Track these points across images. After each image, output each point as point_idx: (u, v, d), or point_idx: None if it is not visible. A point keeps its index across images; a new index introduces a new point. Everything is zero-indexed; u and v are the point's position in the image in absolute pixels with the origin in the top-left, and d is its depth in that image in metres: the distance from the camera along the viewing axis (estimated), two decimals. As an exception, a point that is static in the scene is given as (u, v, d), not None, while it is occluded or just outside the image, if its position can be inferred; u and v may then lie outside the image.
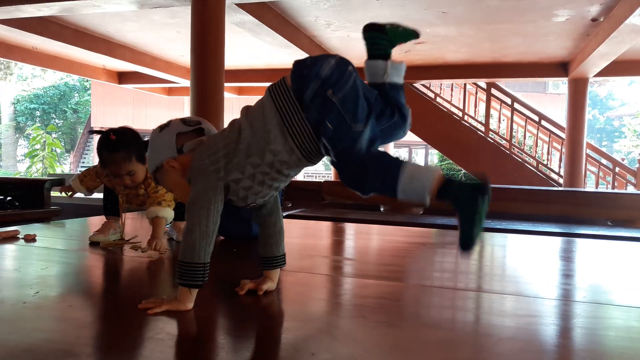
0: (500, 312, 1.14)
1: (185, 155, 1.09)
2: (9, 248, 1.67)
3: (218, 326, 1.05)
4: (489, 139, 7.53)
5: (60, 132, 20.93)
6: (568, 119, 7.12)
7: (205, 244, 1.01)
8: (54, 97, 20.98)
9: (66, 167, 18.17)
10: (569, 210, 4.66)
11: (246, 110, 1.08)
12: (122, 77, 8.88)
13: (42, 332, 0.92)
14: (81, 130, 20.29)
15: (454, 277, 1.52)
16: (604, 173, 7.67)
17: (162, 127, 1.14)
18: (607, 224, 5.00)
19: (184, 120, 1.14)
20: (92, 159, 17.67)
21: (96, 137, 1.69)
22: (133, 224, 2.23)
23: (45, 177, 3.57)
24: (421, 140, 8.02)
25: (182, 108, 11.04)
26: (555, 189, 4.98)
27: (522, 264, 1.86)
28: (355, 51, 5.00)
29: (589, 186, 7.57)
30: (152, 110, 15.10)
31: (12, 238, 1.80)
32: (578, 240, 2.37)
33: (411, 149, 18.03)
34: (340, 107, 0.97)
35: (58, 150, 13.25)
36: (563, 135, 7.37)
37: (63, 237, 2.00)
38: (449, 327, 1.05)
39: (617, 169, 7.48)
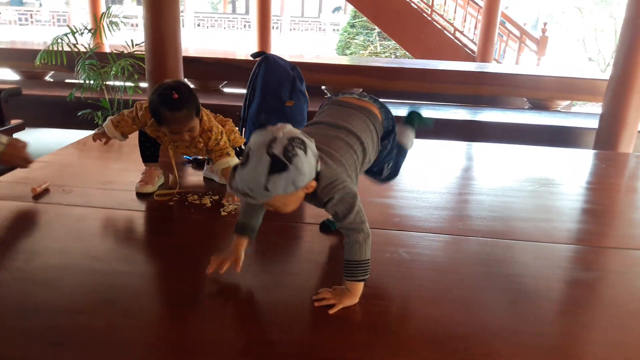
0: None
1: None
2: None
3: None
4: (412, 4, 7.59)
5: None
6: (487, -14, 7.31)
7: (370, 242, 1.19)
8: None
9: None
10: (495, 90, 5.11)
11: (350, 128, 1.31)
12: None
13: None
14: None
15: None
16: (511, 40, 8.20)
17: (304, 150, 1.05)
18: (525, 104, 5.59)
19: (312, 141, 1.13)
20: None
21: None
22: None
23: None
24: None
25: None
26: (483, 70, 5.34)
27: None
28: None
29: (500, 54, 8.10)
30: None
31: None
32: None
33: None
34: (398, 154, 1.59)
35: None
36: (480, 3, 7.62)
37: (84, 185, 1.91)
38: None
39: (523, 37, 8.02)
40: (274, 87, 2.07)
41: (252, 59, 2.21)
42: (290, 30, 22.62)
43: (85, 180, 1.98)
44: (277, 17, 23.42)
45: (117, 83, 3.99)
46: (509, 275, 1.41)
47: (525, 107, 5.50)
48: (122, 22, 3.88)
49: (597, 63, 13.59)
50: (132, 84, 3.90)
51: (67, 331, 1.08)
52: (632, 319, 1.24)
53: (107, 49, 4.53)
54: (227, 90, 5.59)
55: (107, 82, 3.88)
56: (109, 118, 1.87)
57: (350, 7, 12.13)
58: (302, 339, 1.10)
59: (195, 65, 4.83)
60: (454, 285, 1.35)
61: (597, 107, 6.98)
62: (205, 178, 2.06)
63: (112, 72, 3.78)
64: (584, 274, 1.49)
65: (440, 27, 7.69)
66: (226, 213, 1.73)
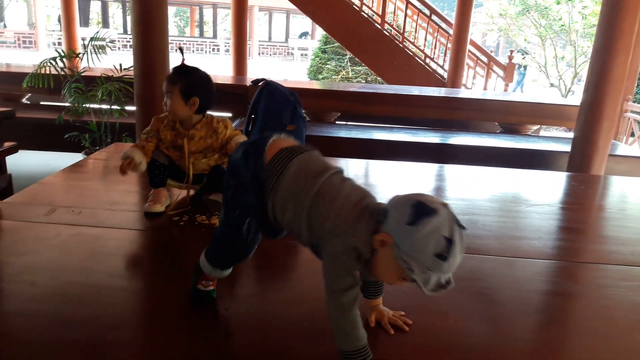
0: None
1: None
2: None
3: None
4: (384, 31, 7.86)
5: None
6: (456, 15, 7.66)
7: (347, 324, 1.02)
8: None
9: None
10: (469, 115, 5.33)
11: None
12: None
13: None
14: None
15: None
16: (479, 66, 8.57)
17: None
18: (497, 129, 5.83)
19: None
20: None
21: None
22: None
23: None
24: (293, 6, 8.01)
25: None
26: (455, 96, 5.57)
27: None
28: None
29: (468, 80, 8.44)
30: None
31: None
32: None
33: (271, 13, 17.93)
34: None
35: None
36: (450, 31, 7.96)
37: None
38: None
39: (491, 63, 8.40)
40: (276, 112, 2.17)
41: (248, 84, 2.30)
42: (259, 54, 22.92)
43: (92, 202, 2.02)
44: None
45: (104, 106, 4.02)
46: (488, 288, 1.53)
47: (497, 131, 5.76)
48: (108, 46, 3.93)
49: (559, 89, 14.23)
50: (119, 107, 3.93)
51: (106, 344, 1.13)
52: (611, 327, 1.36)
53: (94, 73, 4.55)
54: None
55: (94, 106, 3.91)
56: (130, 147, 1.93)
57: (320, 33, 12.42)
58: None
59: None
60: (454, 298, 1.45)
61: (561, 132, 7.34)
62: (210, 200, 2.13)
63: (99, 96, 3.81)
64: (561, 287, 1.61)
65: (411, 53, 7.97)
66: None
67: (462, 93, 6.17)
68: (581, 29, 12.16)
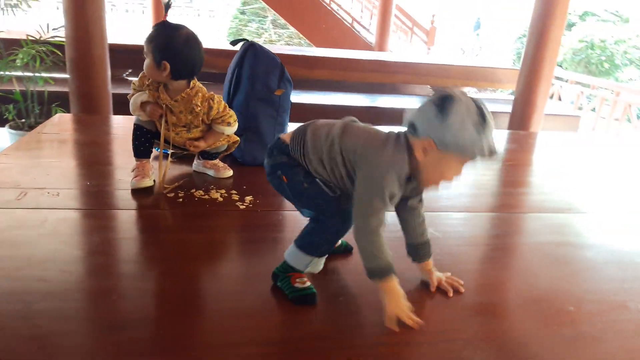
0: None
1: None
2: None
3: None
4: (313, -6, 7.70)
5: None
6: (382, -21, 7.65)
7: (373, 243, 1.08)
8: None
9: None
10: (406, 78, 5.40)
11: None
12: None
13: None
14: None
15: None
16: (403, 32, 8.69)
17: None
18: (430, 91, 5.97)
19: None
20: None
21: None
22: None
23: None
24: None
25: None
26: (397, 60, 5.59)
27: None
28: None
29: (394, 43, 8.54)
30: None
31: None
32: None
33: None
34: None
35: None
36: (376, -6, 7.96)
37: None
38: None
39: (414, 28, 8.54)
40: (263, 75, 2.02)
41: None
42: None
43: (65, 182, 1.78)
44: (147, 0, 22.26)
45: (29, 74, 3.56)
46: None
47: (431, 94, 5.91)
48: (27, 3, 3.47)
49: (467, 52, 14.94)
50: (45, 74, 3.51)
51: (141, 341, 1.00)
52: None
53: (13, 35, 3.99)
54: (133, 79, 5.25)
55: (18, 73, 3.45)
56: (135, 97, 1.76)
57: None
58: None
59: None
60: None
61: (496, 94, 7.65)
62: (195, 172, 1.97)
63: (20, 61, 3.37)
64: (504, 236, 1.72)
65: (339, 17, 7.89)
66: (245, 206, 1.67)
67: (402, 57, 6.23)
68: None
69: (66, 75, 3.21)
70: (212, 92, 1.78)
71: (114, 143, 2.38)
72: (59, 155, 2.10)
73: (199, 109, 1.73)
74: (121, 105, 3.42)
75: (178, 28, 1.66)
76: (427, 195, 1.20)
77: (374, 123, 1.21)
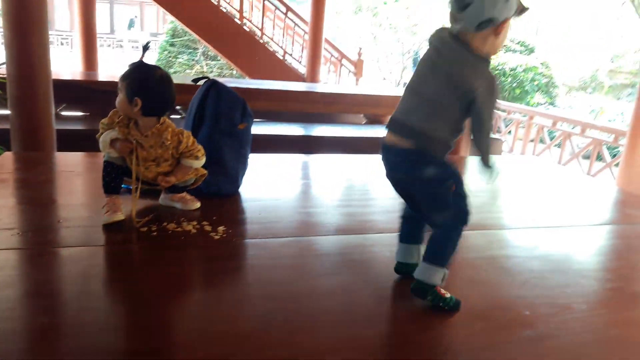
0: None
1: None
2: None
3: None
4: (245, 27, 7.86)
5: None
6: (312, 13, 7.96)
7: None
8: None
9: None
10: (342, 108, 5.63)
11: None
12: None
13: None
14: None
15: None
16: (333, 64, 9.04)
17: None
18: (362, 120, 6.25)
19: None
20: None
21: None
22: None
23: None
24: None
25: None
26: (322, 91, 5.82)
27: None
28: None
29: (323, 74, 8.85)
30: None
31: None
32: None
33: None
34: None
35: None
36: (306, 28, 8.25)
37: None
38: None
39: (343, 60, 8.91)
40: (226, 112, 2.11)
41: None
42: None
43: (30, 221, 1.77)
44: (67, 32, 21.55)
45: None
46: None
47: (362, 123, 6.19)
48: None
49: (390, 82, 15.69)
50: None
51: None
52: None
53: None
54: (67, 114, 5.12)
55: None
56: (104, 135, 1.79)
57: (150, 23, 11.83)
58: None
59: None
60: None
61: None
62: (162, 207, 2.01)
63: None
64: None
65: (271, 49, 8.10)
66: (219, 236, 1.74)
67: (338, 88, 6.49)
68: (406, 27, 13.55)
69: (6, 112, 3.12)
70: (181, 128, 1.85)
71: (69, 180, 2.35)
72: (13, 196, 2.06)
73: (169, 142, 1.80)
74: (61, 141, 3.38)
75: (153, 68, 1.74)
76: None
77: (313, 152, 1.35)
